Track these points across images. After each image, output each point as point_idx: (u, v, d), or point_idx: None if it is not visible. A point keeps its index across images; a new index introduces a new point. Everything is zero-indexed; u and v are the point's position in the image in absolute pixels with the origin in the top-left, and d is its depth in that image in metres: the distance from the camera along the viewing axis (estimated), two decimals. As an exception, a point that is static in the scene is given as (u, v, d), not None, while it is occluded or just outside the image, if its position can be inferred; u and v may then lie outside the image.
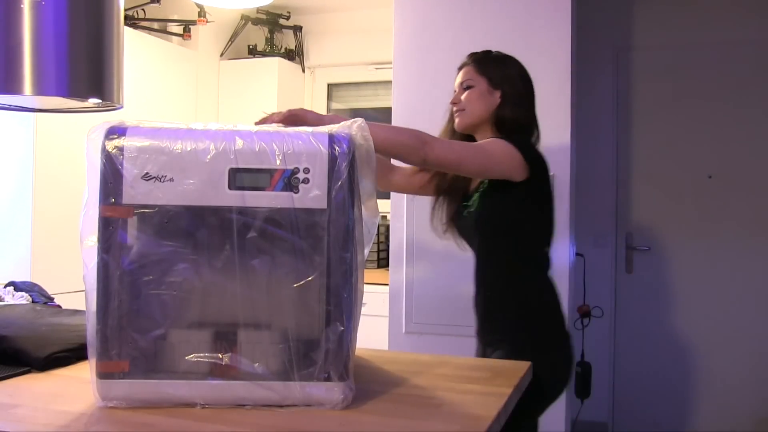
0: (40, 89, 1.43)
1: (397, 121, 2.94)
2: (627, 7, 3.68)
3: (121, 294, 1.13)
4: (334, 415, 1.13)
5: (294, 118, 1.53)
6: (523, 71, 1.92)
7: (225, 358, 1.14)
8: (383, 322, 2.89)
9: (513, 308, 1.82)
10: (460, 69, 1.93)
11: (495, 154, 1.71)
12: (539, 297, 1.85)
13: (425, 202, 2.86)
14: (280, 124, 1.51)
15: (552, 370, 1.74)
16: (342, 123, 1.25)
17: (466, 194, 1.91)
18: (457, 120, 1.88)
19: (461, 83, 1.89)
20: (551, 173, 2.80)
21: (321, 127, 1.24)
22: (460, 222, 1.90)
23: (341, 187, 1.15)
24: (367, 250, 1.25)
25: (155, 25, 3.92)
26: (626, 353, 3.65)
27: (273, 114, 1.56)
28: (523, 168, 1.74)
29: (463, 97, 1.87)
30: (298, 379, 1.15)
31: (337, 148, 1.16)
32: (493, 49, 2.72)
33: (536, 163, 1.79)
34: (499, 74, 1.87)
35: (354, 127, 1.21)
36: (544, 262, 1.89)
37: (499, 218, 1.80)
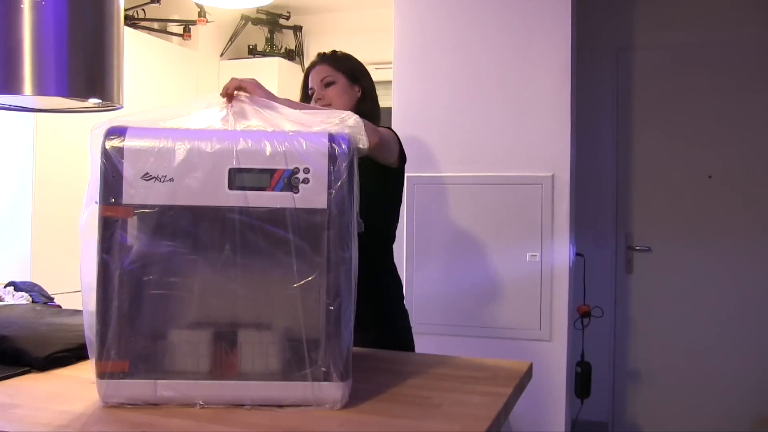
0: (40, 89, 1.43)
1: (397, 121, 2.94)
2: (627, 7, 3.68)
3: (121, 294, 1.13)
4: (334, 415, 1.13)
5: (239, 88, 1.53)
6: (360, 63, 2.08)
7: (225, 358, 1.14)
8: (383, 322, 2.89)
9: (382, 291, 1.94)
10: (310, 69, 2.03)
11: (393, 142, 1.84)
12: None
13: (426, 201, 2.86)
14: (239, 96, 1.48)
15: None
16: (334, 118, 1.26)
17: None
18: None
19: (321, 80, 1.97)
20: (551, 173, 2.82)
21: (319, 127, 1.24)
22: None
23: (341, 187, 1.15)
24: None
25: (155, 25, 3.92)
26: (626, 353, 3.65)
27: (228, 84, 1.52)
28: (399, 157, 1.90)
29: (327, 93, 1.96)
30: (298, 379, 1.15)
31: (336, 148, 1.16)
32: (493, 49, 2.75)
33: (404, 157, 1.94)
34: (354, 70, 2.02)
35: (350, 121, 1.22)
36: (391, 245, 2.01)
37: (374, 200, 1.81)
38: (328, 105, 1.94)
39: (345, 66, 2.01)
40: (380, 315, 1.89)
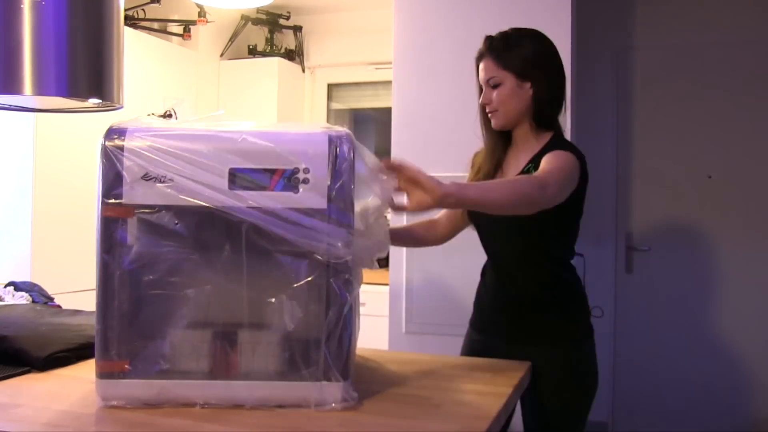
0: (40, 89, 1.43)
1: (397, 120, 2.94)
2: (627, 7, 3.68)
3: (122, 294, 1.13)
4: (334, 415, 1.13)
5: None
6: (541, 43, 1.75)
7: (225, 358, 1.14)
8: (383, 322, 2.89)
9: (555, 308, 1.76)
10: (479, 59, 1.76)
11: (571, 175, 1.63)
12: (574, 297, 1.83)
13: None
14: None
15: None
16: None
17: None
18: (493, 121, 1.75)
19: (487, 81, 1.73)
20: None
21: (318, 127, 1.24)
22: (487, 219, 1.72)
23: (341, 187, 1.15)
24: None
25: (155, 25, 3.92)
26: (626, 353, 3.65)
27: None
28: (578, 177, 1.68)
29: (493, 96, 1.72)
30: (298, 379, 1.15)
31: (337, 148, 1.16)
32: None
33: (585, 168, 1.72)
34: (523, 63, 1.70)
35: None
36: (571, 259, 1.84)
37: (541, 219, 1.58)
38: (495, 111, 1.73)
39: (512, 62, 1.70)
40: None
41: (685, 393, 3.53)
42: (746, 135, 3.49)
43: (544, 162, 1.62)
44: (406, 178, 1.32)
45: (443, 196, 1.31)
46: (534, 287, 1.73)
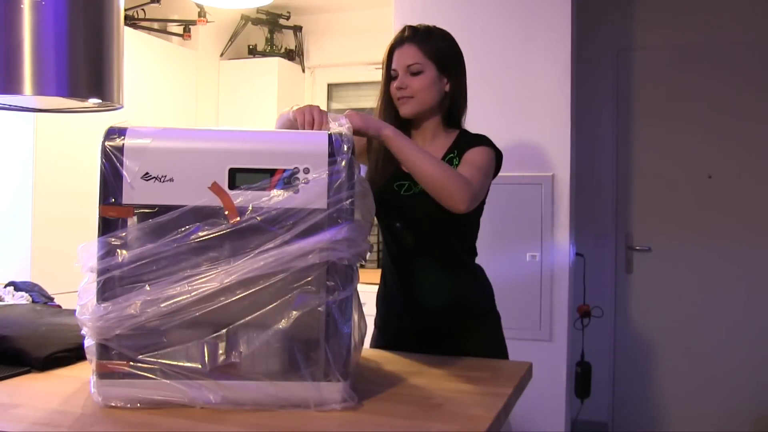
0: (40, 89, 1.43)
1: (397, 121, 2.94)
2: (627, 7, 3.68)
3: (121, 294, 1.13)
4: (333, 415, 1.13)
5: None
6: (457, 46, 1.78)
7: (225, 359, 1.14)
8: (383, 322, 2.89)
9: (472, 297, 1.80)
10: (397, 45, 1.73)
11: (490, 176, 1.69)
12: (484, 283, 1.85)
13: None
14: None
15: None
16: (333, 122, 1.26)
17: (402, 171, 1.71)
18: (402, 108, 1.72)
19: (407, 66, 1.70)
20: (551, 173, 2.82)
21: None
22: (399, 202, 1.71)
23: (341, 187, 1.15)
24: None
25: (155, 25, 3.92)
26: (626, 353, 3.65)
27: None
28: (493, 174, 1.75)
29: (410, 82, 1.70)
30: (298, 379, 1.15)
31: (336, 148, 1.16)
32: (493, 49, 2.73)
33: (499, 164, 1.76)
34: (446, 58, 1.73)
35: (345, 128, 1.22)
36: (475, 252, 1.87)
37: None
38: (409, 98, 1.71)
39: (438, 53, 1.71)
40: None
41: (685, 393, 3.53)
42: (746, 135, 3.49)
43: (471, 156, 1.66)
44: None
45: (381, 127, 1.48)
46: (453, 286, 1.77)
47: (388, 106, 1.76)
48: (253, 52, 4.40)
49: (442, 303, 1.74)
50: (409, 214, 1.73)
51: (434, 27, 1.78)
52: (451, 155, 1.72)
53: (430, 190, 1.51)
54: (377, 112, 1.78)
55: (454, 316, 1.75)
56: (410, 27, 1.75)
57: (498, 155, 1.73)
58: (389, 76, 1.75)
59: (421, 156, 1.49)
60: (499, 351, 1.80)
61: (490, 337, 1.80)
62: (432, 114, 1.76)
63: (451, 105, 1.75)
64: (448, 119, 1.77)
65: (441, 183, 1.49)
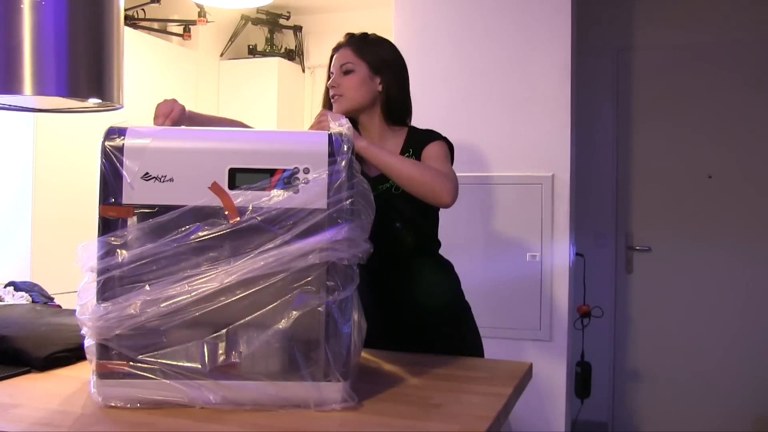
0: (40, 89, 1.43)
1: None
2: (627, 7, 3.68)
3: (121, 294, 1.13)
4: (334, 415, 1.13)
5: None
6: (396, 51, 1.87)
7: (225, 359, 1.14)
8: (383, 322, 2.89)
9: (446, 293, 1.85)
10: (336, 50, 1.85)
11: (451, 163, 1.78)
12: (454, 277, 1.91)
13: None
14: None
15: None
16: (332, 122, 1.26)
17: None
18: (335, 105, 1.81)
19: (340, 66, 1.80)
20: (551, 173, 2.82)
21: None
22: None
23: (341, 187, 1.15)
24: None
25: (155, 25, 3.92)
26: (626, 353, 3.65)
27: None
28: None
29: (342, 81, 1.79)
30: (298, 379, 1.15)
31: (336, 148, 1.16)
32: (493, 49, 2.73)
33: (452, 156, 1.85)
34: (378, 59, 1.81)
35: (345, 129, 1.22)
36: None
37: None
38: (339, 96, 1.79)
39: (369, 54, 1.80)
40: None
41: (685, 393, 3.53)
42: (746, 135, 3.49)
43: (432, 152, 1.75)
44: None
45: (355, 138, 1.45)
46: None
47: (327, 107, 1.85)
48: (253, 52, 4.40)
49: (411, 297, 1.78)
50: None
51: (373, 34, 1.88)
52: (407, 154, 1.79)
53: (415, 191, 1.60)
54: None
55: (423, 309, 1.78)
56: (349, 33, 1.87)
57: (451, 147, 1.82)
58: (328, 77, 1.85)
59: (399, 160, 1.60)
60: (474, 343, 1.85)
61: (463, 329, 1.85)
62: (369, 113, 1.83)
63: (388, 104, 1.82)
64: (389, 118, 1.84)
65: (425, 182, 1.58)
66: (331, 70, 1.84)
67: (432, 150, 1.76)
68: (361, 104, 1.80)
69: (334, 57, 1.84)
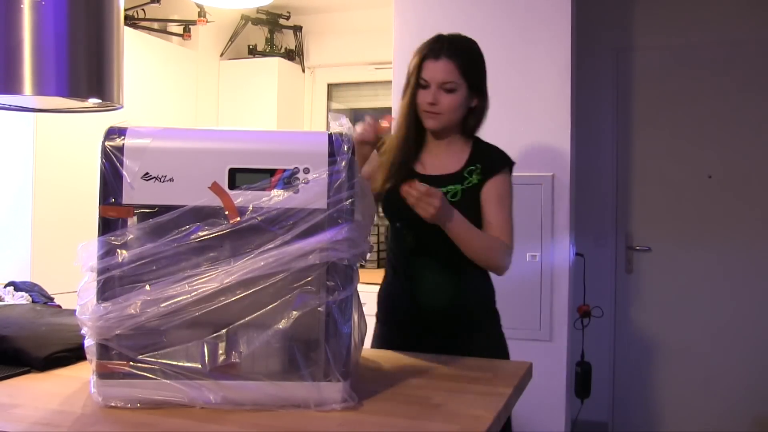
0: (40, 89, 1.43)
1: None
2: (627, 7, 3.68)
3: (121, 294, 1.13)
4: (334, 415, 1.13)
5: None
6: (484, 61, 1.82)
7: (225, 359, 1.14)
8: (383, 322, 2.89)
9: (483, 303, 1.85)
10: (435, 56, 1.70)
11: (508, 212, 1.79)
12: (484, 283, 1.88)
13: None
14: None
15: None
16: (333, 122, 1.26)
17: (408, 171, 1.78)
18: (428, 121, 1.74)
19: (442, 82, 1.70)
20: (551, 173, 2.82)
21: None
22: (401, 203, 1.64)
23: (341, 187, 1.15)
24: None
25: (155, 25, 3.92)
26: (626, 353, 3.65)
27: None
28: None
29: (442, 99, 1.71)
30: (298, 379, 1.15)
31: (336, 148, 1.16)
32: (493, 49, 2.68)
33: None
34: (479, 77, 1.77)
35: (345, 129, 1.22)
36: None
37: (476, 219, 1.73)
38: (437, 114, 1.72)
39: (473, 75, 1.74)
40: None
41: (685, 393, 3.53)
42: (746, 135, 3.49)
43: (497, 190, 1.75)
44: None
45: (447, 218, 1.57)
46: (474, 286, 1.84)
47: (412, 115, 1.77)
48: (253, 52, 4.40)
49: (441, 304, 1.77)
50: (410, 215, 1.71)
51: (466, 39, 1.78)
52: (472, 168, 1.76)
53: (477, 262, 1.68)
54: (400, 118, 1.79)
55: (454, 317, 1.77)
56: (446, 39, 1.74)
57: (511, 171, 1.83)
58: (418, 84, 1.73)
59: (474, 236, 1.64)
60: (499, 350, 1.82)
61: (490, 337, 1.83)
62: (454, 127, 1.79)
63: (474, 120, 1.80)
64: (464, 131, 1.81)
65: (489, 258, 1.69)
66: (425, 79, 1.71)
67: (496, 188, 1.75)
68: (455, 124, 1.78)
69: (430, 66, 1.71)
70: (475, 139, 1.83)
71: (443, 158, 1.80)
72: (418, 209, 1.52)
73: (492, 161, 1.78)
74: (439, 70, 1.70)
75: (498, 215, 1.73)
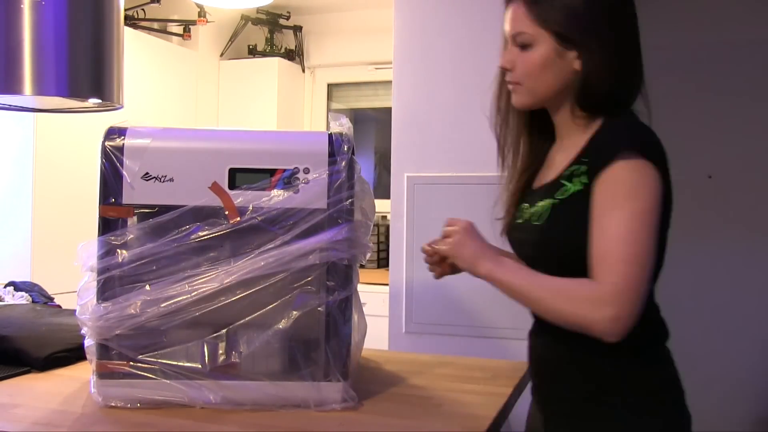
0: (40, 89, 1.43)
1: (396, 120, 2.94)
2: (627, 7, 3.67)
3: (121, 294, 1.13)
4: (334, 415, 1.13)
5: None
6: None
7: (225, 359, 1.14)
8: (383, 322, 2.89)
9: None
10: (508, 4, 1.22)
11: (644, 211, 1.14)
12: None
13: (425, 201, 2.86)
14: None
15: None
16: (333, 122, 1.25)
17: (526, 186, 1.31)
18: (514, 97, 1.24)
19: (514, 36, 1.19)
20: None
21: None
22: (513, 233, 1.31)
23: (341, 187, 1.15)
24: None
25: (155, 25, 3.92)
26: (626, 353, 3.65)
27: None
28: (659, 199, 1.19)
29: (518, 60, 1.19)
30: (298, 379, 1.15)
31: (336, 148, 1.16)
32: (494, 49, 2.68)
33: (666, 175, 1.22)
34: (567, 20, 1.13)
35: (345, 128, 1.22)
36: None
37: (581, 244, 1.09)
38: (516, 84, 1.21)
39: (556, 15, 1.13)
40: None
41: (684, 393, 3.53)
42: (746, 135, 3.49)
43: (603, 200, 1.08)
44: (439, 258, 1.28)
45: (476, 262, 1.18)
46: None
47: (503, 90, 1.29)
48: (253, 52, 4.40)
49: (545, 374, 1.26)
50: (514, 248, 1.31)
51: None
52: (575, 167, 1.15)
53: (563, 325, 1.09)
54: (493, 98, 1.33)
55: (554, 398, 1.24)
56: None
57: (657, 164, 1.20)
58: (505, 46, 1.25)
59: (530, 288, 1.11)
60: None
61: None
62: (562, 101, 1.20)
63: (586, 89, 1.15)
64: (583, 106, 1.17)
65: (567, 317, 1.06)
66: (505, 36, 1.24)
67: (607, 187, 1.09)
68: (550, 94, 1.19)
69: (506, 15, 1.23)
70: (602, 123, 1.17)
71: (556, 157, 1.25)
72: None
73: (603, 148, 1.12)
74: (508, 18, 1.21)
75: (603, 233, 1.06)
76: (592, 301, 1.03)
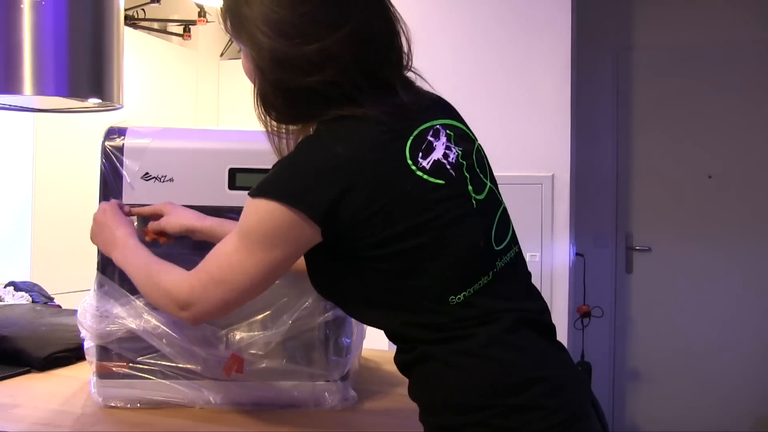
0: (40, 89, 1.43)
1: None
2: (627, 7, 3.68)
3: (121, 294, 1.13)
4: (334, 415, 1.13)
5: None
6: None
7: (225, 359, 1.14)
8: (383, 322, 2.89)
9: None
10: None
11: (255, 240, 0.91)
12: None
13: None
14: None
15: None
16: None
17: None
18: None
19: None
20: (551, 173, 2.83)
21: None
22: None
23: (341, 187, 1.15)
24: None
25: (155, 25, 3.92)
26: (626, 353, 3.65)
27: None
28: (311, 227, 0.90)
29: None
30: (298, 379, 1.15)
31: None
32: (493, 50, 2.70)
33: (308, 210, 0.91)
34: (226, 15, 0.99)
35: None
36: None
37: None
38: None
39: (227, 11, 0.98)
40: None
41: (685, 393, 3.53)
42: (746, 135, 3.49)
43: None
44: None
45: (109, 247, 1.08)
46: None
47: None
48: (253, 52, 4.40)
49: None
50: None
51: None
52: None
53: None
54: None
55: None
56: None
57: (289, 201, 0.92)
58: None
59: (132, 269, 1.03)
60: None
61: None
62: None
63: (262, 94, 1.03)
64: (276, 115, 1.06)
65: (156, 302, 1.01)
66: None
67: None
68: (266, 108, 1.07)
69: None
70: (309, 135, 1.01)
71: None
72: None
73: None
74: None
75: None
76: (167, 294, 0.98)
